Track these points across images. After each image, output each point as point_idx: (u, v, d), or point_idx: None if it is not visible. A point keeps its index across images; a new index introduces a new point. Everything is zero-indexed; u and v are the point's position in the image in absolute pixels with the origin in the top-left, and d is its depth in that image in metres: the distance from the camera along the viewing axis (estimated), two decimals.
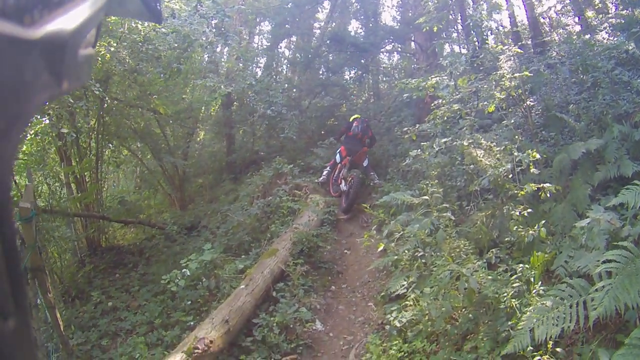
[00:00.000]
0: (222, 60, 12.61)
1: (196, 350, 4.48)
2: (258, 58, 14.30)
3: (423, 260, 5.13)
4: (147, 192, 13.36)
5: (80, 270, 9.05)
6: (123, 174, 14.75)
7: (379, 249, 5.94)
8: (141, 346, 5.67)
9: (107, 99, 8.86)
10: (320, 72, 13.40)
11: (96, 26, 0.48)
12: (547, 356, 3.48)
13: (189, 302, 6.42)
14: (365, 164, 9.15)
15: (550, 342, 3.48)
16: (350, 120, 9.75)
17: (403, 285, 5.35)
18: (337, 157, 9.34)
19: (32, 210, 4.38)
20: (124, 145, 11.42)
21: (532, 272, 4.15)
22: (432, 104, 6.64)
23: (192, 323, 5.89)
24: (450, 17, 11.13)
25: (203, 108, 11.96)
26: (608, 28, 8.12)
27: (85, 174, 9.89)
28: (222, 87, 10.24)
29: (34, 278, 4.66)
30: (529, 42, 10.42)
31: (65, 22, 0.40)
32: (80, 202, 9.58)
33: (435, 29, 9.52)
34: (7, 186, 0.38)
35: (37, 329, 4.50)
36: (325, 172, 9.53)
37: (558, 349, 3.50)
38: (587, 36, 7.70)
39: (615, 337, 3.41)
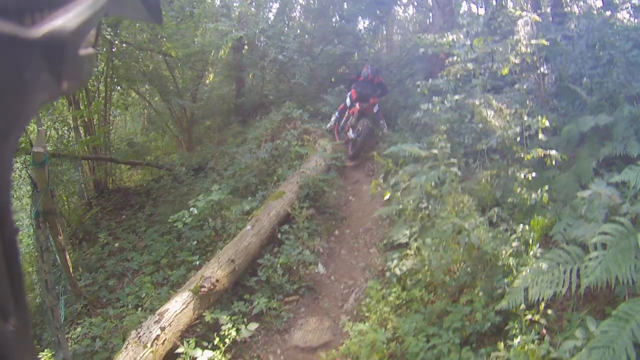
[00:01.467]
0: (235, 4, 12.35)
1: (202, 289, 4.64)
2: (271, 3, 13.96)
3: (427, 212, 5.24)
4: (154, 134, 13.37)
5: (88, 212, 9.25)
6: (130, 116, 14.72)
7: (384, 198, 6.05)
8: (148, 285, 5.87)
9: (116, 42, 8.75)
10: (334, 20, 13.03)
11: (96, 26, 0.48)
12: (539, 316, 3.63)
13: (195, 242, 6.57)
14: (375, 109, 8.94)
15: (543, 304, 3.62)
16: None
17: (405, 234, 5.47)
18: (348, 101, 9.17)
19: (45, 154, 4.47)
20: (132, 88, 11.39)
21: (532, 234, 4.24)
22: (447, 61, 6.58)
23: (197, 263, 6.07)
24: None
25: (213, 51, 11.75)
26: (630, 8, 7.94)
27: (94, 116, 9.93)
28: (233, 31, 10.12)
29: (45, 221, 4.78)
30: (549, 10, 10.16)
31: (65, 22, 0.40)
32: (88, 145, 9.67)
33: None
34: (6, 186, 0.39)
35: (48, 271, 4.65)
36: (333, 118, 9.46)
37: (549, 311, 3.65)
38: (608, 13, 7.54)
39: (604, 309, 3.52)
